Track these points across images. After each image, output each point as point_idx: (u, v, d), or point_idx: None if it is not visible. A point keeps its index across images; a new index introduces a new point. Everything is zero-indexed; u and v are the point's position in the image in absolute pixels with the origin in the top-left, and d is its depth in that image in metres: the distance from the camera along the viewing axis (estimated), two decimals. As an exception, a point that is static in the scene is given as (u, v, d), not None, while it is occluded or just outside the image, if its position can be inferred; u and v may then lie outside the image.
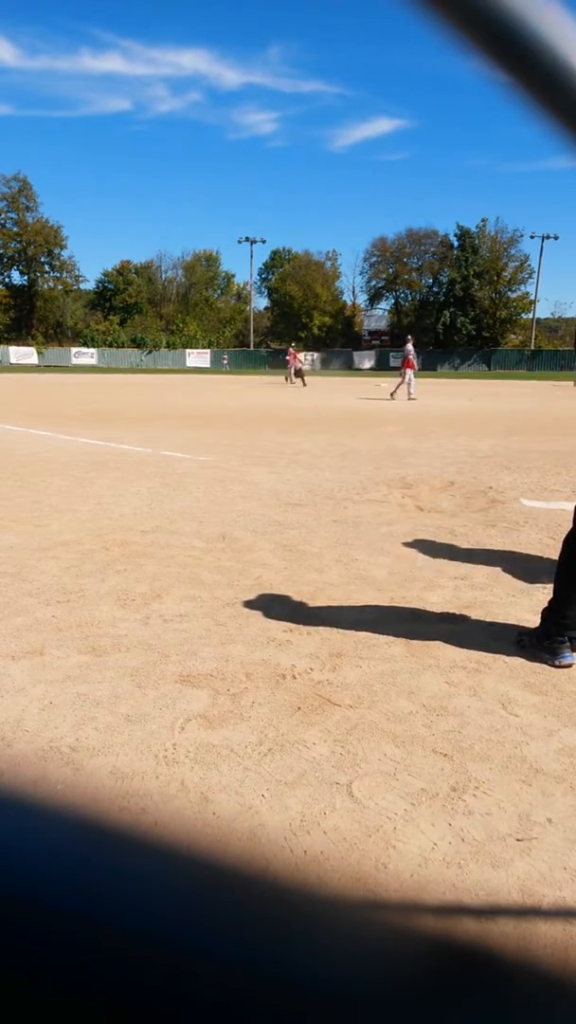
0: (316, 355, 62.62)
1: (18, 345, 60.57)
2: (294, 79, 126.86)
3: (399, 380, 21.50)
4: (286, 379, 30.14)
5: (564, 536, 2.68)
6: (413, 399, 20.22)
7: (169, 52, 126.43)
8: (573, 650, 2.61)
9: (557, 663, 2.59)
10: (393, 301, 71.60)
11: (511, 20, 0.25)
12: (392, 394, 20.95)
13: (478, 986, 0.15)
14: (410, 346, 22.12)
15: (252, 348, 66.50)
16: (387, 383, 32.07)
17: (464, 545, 4.29)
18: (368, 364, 60.77)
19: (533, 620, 2.87)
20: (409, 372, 21.16)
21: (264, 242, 67.06)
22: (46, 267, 67.95)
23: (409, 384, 20.91)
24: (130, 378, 36.44)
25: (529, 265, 66.37)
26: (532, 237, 64.51)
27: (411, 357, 21.57)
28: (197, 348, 63.77)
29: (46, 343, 63.01)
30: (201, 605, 3.17)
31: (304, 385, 28.45)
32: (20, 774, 1.82)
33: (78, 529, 4.48)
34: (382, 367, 58.94)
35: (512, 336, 68.52)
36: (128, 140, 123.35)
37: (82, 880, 0.15)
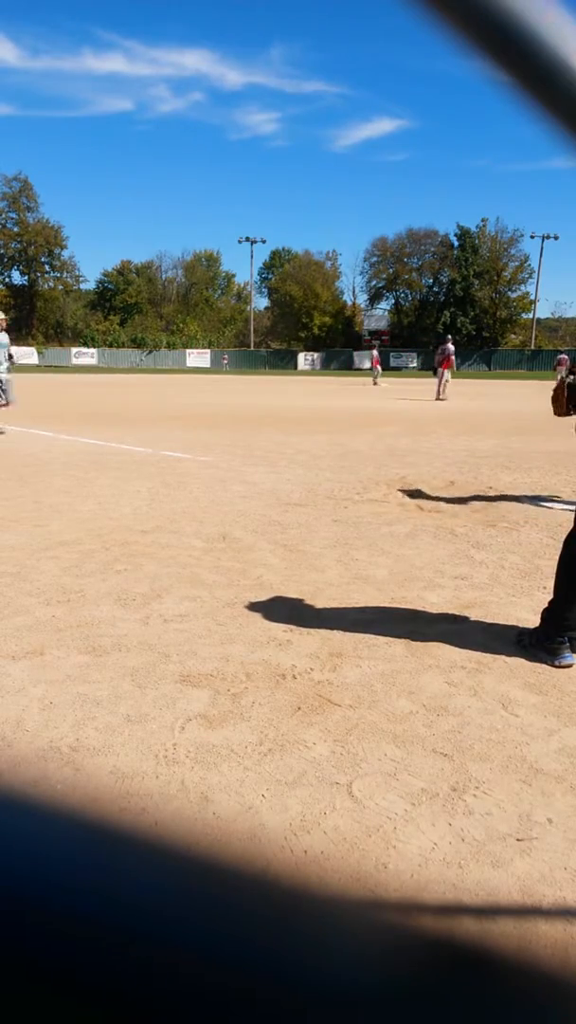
0: (316, 355, 62.65)
1: (18, 345, 60.57)
2: (296, 79, 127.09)
3: (438, 380, 21.11)
4: (374, 382, 30.65)
5: (564, 536, 2.68)
6: (443, 399, 19.94)
7: (171, 52, 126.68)
8: (573, 650, 2.61)
9: (557, 663, 2.59)
10: (393, 301, 71.63)
11: (511, 20, 0.25)
12: (438, 397, 20.56)
13: (478, 986, 0.15)
14: (451, 346, 21.69)
15: (252, 348, 66.51)
16: (387, 383, 32.16)
17: (464, 545, 4.29)
18: (368, 364, 60.74)
19: (533, 620, 2.87)
20: (447, 372, 20.81)
21: (264, 242, 67.07)
22: (46, 267, 67.99)
23: (444, 383, 20.62)
24: (130, 378, 36.44)
25: (529, 265, 66.42)
26: (532, 237, 64.57)
27: (452, 356, 21.09)
28: (197, 348, 63.78)
29: (46, 343, 63.01)
30: (201, 605, 3.17)
31: (376, 384, 29.79)
32: (20, 774, 1.81)
33: (78, 529, 4.48)
34: (383, 367, 58.94)
35: (512, 336, 68.51)
36: (130, 140, 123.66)
37: (82, 880, 0.15)
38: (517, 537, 4.50)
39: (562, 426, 12.10)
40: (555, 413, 4.69)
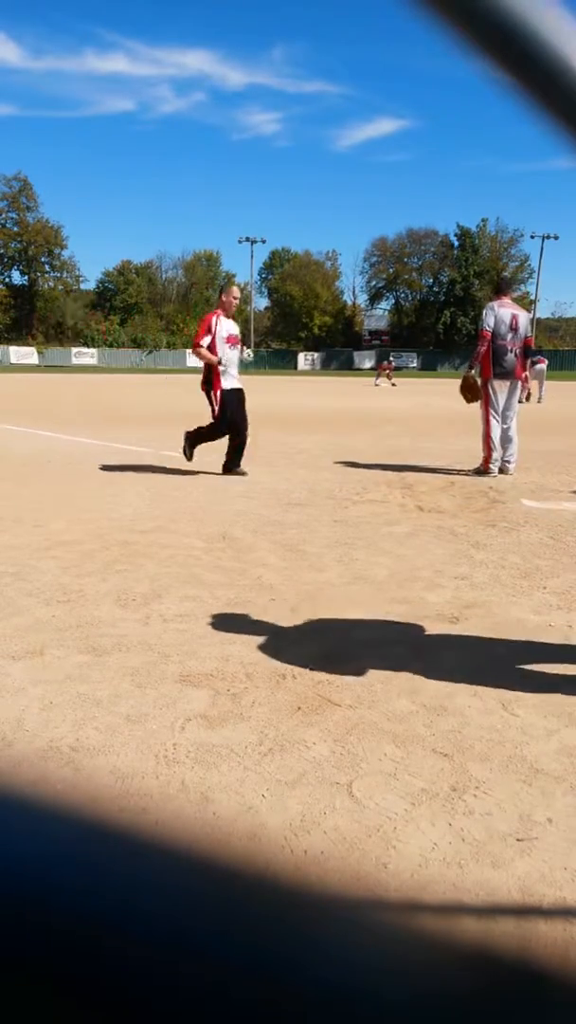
0: (316, 355, 62.66)
1: (18, 345, 60.57)
2: (298, 79, 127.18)
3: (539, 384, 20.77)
4: (391, 382, 33.32)
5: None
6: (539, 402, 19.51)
7: (174, 52, 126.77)
8: None
9: None
10: (393, 301, 71.63)
11: (512, 21, 0.25)
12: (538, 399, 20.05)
13: (478, 986, 0.15)
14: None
15: (252, 348, 66.48)
16: (389, 383, 32.47)
17: (464, 545, 4.29)
18: (368, 364, 60.76)
19: (533, 620, 2.87)
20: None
21: (264, 242, 67.02)
22: (46, 267, 68.03)
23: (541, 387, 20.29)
24: (131, 378, 36.43)
25: (529, 265, 66.49)
26: (532, 237, 64.78)
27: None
28: (197, 348, 63.67)
29: (46, 343, 62.99)
30: (201, 605, 3.17)
31: (394, 385, 32.48)
32: (20, 774, 1.81)
33: (78, 529, 4.48)
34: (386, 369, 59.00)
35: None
36: (131, 140, 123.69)
37: (82, 880, 0.15)
38: (517, 537, 4.50)
39: (561, 426, 12.09)
40: (467, 401, 6.91)
